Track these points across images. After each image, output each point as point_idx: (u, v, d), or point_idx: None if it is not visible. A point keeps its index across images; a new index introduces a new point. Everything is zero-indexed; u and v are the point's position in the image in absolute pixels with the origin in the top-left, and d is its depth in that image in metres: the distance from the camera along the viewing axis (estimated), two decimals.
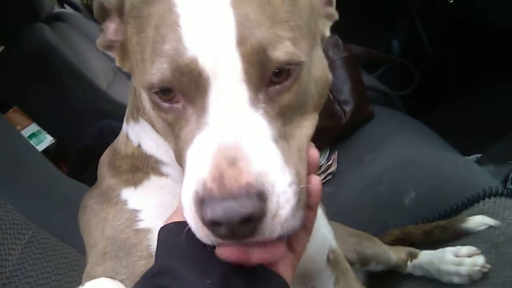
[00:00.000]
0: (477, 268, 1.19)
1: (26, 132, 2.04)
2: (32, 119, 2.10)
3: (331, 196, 1.77)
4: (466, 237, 1.29)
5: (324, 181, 1.90)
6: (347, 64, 2.00)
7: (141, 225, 0.77)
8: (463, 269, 1.20)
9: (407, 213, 1.46)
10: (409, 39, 2.56)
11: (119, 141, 0.89)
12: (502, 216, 1.26)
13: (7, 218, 1.12)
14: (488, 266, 1.18)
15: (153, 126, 0.77)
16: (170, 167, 0.81)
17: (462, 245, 1.27)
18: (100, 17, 0.76)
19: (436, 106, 2.42)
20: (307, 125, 0.66)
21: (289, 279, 0.64)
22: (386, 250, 1.35)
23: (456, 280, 1.22)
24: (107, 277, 0.73)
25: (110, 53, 0.77)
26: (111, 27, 0.75)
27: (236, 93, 0.58)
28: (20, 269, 1.06)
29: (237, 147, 0.55)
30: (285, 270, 0.64)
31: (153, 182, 0.82)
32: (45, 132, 2.08)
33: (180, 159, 0.64)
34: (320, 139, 1.93)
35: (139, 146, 0.84)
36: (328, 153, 1.99)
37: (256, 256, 0.57)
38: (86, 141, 1.96)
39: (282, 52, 0.57)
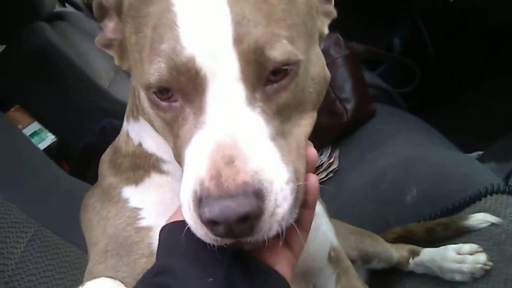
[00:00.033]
0: (479, 265, 1.18)
1: (27, 131, 2.04)
2: (33, 118, 2.10)
3: (332, 194, 1.77)
4: (468, 234, 1.29)
5: (325, 179, 1.90)
6: (348, 62, 2.00)
7: (142, 223, 0.77)
8: (465, 267, 1.20)
9: (409, 211, 1.46)
10: (410, 36, 2.56)
11: (120, 139, 0.89)
12: (504, 213, 1.26)
13: (9, 217, 1.12)
14: (490, 263, 1.18)
15: (152, 125, 0.77)
16: (171, 165, 0.81)
17: (464, 242, 1.26)
18: (99, 15, 0.76)
19: (437, 104, 2.42)
20: (305, 123, 0.67)
21: (289, 277, 0.64)
22: (388, 247, 1.35)
23: (458, 277, 1.22)
24: (108, 275, 0.73)
25: (109, 52, 0.77)
26: (110, 25, 0.75)
27: (233, 92, 0.58)
28: (22, 267, 1.06)
29: (234, 146, 0.55)
30: (284, 269, 0.64)
31: (154, 180, 0.82)
32: (46, 130, 2.08)
33: (179, 158, 0.65)
34: (322, 137, 1.96)
35: (140, 144, 0.84)
36: (329, 151, 1.99)
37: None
38: (88, 139, 1.96)
39: (279, 51, 0.58)
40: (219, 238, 0.56)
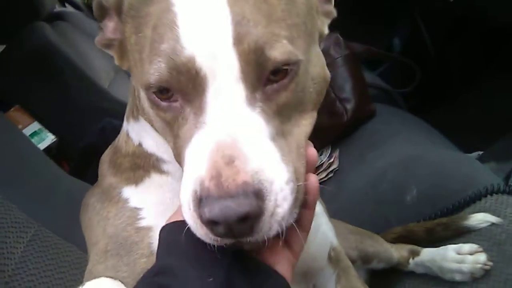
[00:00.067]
0: (479, 265, 1.18)
1: (27, 131, 2.04)
2: (33, 118, 2.10)
3: (332, 193, 1.77)
4: (468, 234, 1.29)
5: (325, 179, 1.90)
6: (348, 62, 2.00)
7: (142, 223, 0.77)
8: (465, 267, 1.20)
9: (409, 211, 1.46)
10: (410, 36, 2.56)
11: (120, 139, 0.89)
12: (504, 213, 1.26)
13: (9, 217, 1.12)
14: (490, 263, 1.18)
15: (152, 125, 0.77)
16: (171, 165, 0.81)
17: (464, 242, 1.26)
18: (99, 15, 0.76)
19: (437, 104, 2.42)
20: (305, 123, 0.67)
21: (289, 277, 0.64)
22: (388, 247, 1.35)
23: (458, 277, 1.22)
24: (108, 275, 0.73)
25: (109, 52, 0.77)
26: (110, 25, 0.75)
27: (234, 92, 0.58)
28: (22, 267, 1.06)
29: (234, 146, 0.56)
30: (284, 269, 0.64)
31: (154, 180, 0.82)
32: (46, 130, 2.08)
33: (179, 158, 0.65)
34: (322, 137, 1.96)
35: (140, 144, 0.84)
36: (329, 151, 1.99)
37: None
38: (88, 139, 1.96)
39: (279, 51, 0.58)
40: (219, 238, 0.56)
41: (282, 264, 0.64)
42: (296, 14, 0.63)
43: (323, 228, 0.94)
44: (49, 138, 2.06)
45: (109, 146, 0.94)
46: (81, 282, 0.76)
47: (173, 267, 0.60)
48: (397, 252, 1.36)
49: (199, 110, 0.59)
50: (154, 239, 0.71)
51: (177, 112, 0.62)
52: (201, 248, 0.59)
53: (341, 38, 2.03)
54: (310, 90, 0.67)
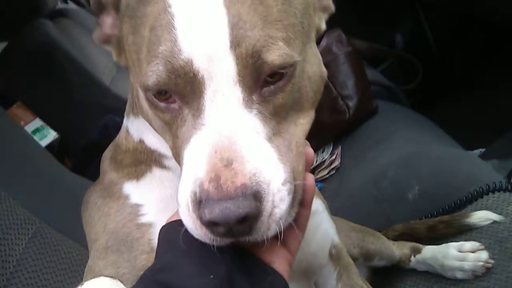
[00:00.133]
0: (481, 263, 1.18)
1: (30, 128, 2.05)
2: (36, 115, 2.11)
3: (334, 191, 1.77)
4: (470, 232, 1.29)
5: (327, 176, 1.90)
6: (350, 59, 2.00)
7: (143, 219, 0.77)
8: (467, 265, 1.19)
9: (411, 208, 1.45)
10: (413, 33, 2.55)
11: (120, 136, 0.89)
12: (506, 211, 1.26)
13: (11, 213, 1.12)
14: (492, 261, 1.18)
15: (150, 124, 0.77)
16: (172, 160, 0.81)
17: (465, 240, 1.26)
18: (97, 9, 0.76)
19: (440, 101, 2.41)
20: (303, 122, 0.67)
21: (286, 275, 0.65)
22: (390, 245, 1.35)
23: (459, 275, 1.21)
24: (109, 271, 0.73)
25: (107, 47, 0.77)
26: (108, 21, 0.76)
27: (231, 94, 0.59)
28: (24, 263, 1.06)
29: (232, 148, 0.56)
30: (281, 267, 0.64)
31: (155, 175, 0.82)
32: (48, 127, 2.09)
33: (177, 157, 0.65)
34: (324, 134, 1.96)
35: (141, 141, 0.84)
36: (331, 148, 1.99)
37: None
38: (90, 136, 1.96)
39: (276, 55, 0.58)
40: (218, 238, 0.57)
41: (279, 262, 0.64)
42: (293, 14, 0.63)
43: (324, 226, 0.94)
44: (51, 135, 2.07)
45: (111, 143, 0.94)
46: (82, 278, 0.77)
47: (173, 265, 0.60)
48: (398, 249, 1.35)
49: (197, 111, 0.60)
50: (155, 236, 0.71)
51: (175, 113, 0.63)
52: (200, 246, 0.59)
53: (343, 35, 2.03)
54: (307, 89, 0.67)
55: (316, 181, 1.89)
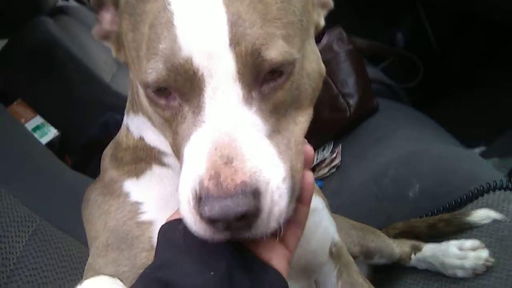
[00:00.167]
0: (481, 262, 1.18)
1: (30, 125, 2.05)
2: (36, 112, 2.11)
3: (335, 189, 1.76)
4: (470, 230, 1.29)
5: (327, 174, 1.90)
6: (351, 57, 2.00)
7: (143, 217, 0.77)
8: (467, 263, 1.19)
9: (411, 206, 1.45)
10: (413, 31, 2.55)
11: (121, 133, 0.90)
12: (507, 209, 1.26)
13: (12, 211, 1.12)
14: (492, 260, 1.18)
15: (150, 121, 0.77)
16: (172, 157, 0.81)
17: (466, 238, 1.26)
18: (96, 5, 0.76)
19: (440, 99, 2.41)
20: (302, 121, 0.68)
21: (285, 273, 0.65)
22: (390, 243, 1.35)
23: (460, 273, 1.21)
24: (109, 269, 0.73)
25: (106, 44, 0.77)
26: (107, 17, 0.76)
27: (230, 92, 0.59)
28: (24, 261, 1.06)
29: (232, 145, 0.57)
30: (279, 265, 0.64)
31: (155, 173, 0.82)
32: (49, 124, 2.09)
33: (177, 154, 0.66)
34: (324, 132, 1.96)
35: (141, 138, 0.84)
36: (332, 146, 1.99)
37: None
38: (90, 133, 1.96)
39: (275, 52, 0.58)
40: (217, 234, 0.57)
41: (277, 260, 0.65)
42: (292, 11, 0.63)
43: (325, 223, 0.95)
44: (51, 132, 2.07)
45: (112, 141, 0.94)
46: (82, 275, 0.77)
47: (173, 262, 0.60)
48: (399, 247, 1.36)
49: (197, 109, 0.60)
50: (155, 234, 0.71)
51: (175, 110, 0.63)
52: (200, 244, 0.60)
53: (344, 33, 2.02)
54: (306, 86, 0.67)
55: (317, 179, 1.89)
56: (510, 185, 1.31)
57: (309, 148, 0.68)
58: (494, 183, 1.31)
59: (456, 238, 1.28)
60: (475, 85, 2.34)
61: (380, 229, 1.40)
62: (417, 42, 2.52)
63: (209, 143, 0.57)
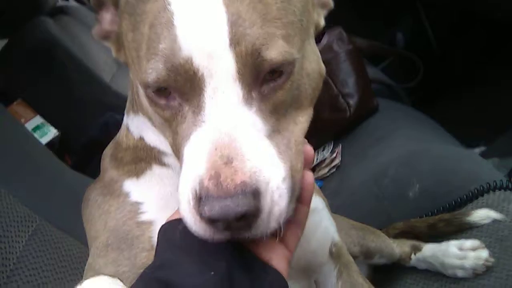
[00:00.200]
0: (481, 262, 1.18)
1: (30, 125, 2.05)
2: (36, 112, 2.11)
3: (335, 189, 1.76)
4: (470, 230, 1.29)
5: (327, 174, 1.90)
6: (351, 57, 1.99)
7: (143, 217, 0.77)
8: (467, 263, 1.19)
9: (411, 206, 1.45)
10: (413, 31, 2.55)
11: (121, 134, 0.90)
12: (507, 209, 1.26)
13: (11, 211, 1.12)
14: (492, 260, 1.18)
15: (150, 121, 0.77)
16: (172, 157, 0.81)
17: (466, 238, 1.26)
18: (96, 5, 0.76)
19: (441, 98, 2.41)
20: (302, 121, 0.68)
21: (285, 273, 0.65)
22: (390, 243, 1.35)
23: (460, 273, 1.21)
24: (109, 269, 0.73)
25: (106, 43, 0.77)
26: (107, 17, 0.76)
27: (230, 92, 0.59)
28: (24, 261, 1.06)
29: (232, 145, 0.57)
30: (279, 265, 0.64)
31: (155, 173, 0.82)
32: (49, 124, 2.09)
33: (177, 154, 0.66)
34: (324, 132, 1.96)
35: (141, 138, 0.84)
36: (332, 146, 1.99)
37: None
38: (90, 133, 1.96)
39: (275, 53, 0.58)
40: (217, 234, 0.58)
41: (277, 260, 0.65)
42: (292, 11, 0.63)
43: (325, 224, 0.95)
44: (51, 132, 2.07)
45: (112, 141, 0.94)
46: (82, 275, 0.77)
47: (174, 262, 0.60)
48: (399, 247, 1.36)
49: (197, 108, 0.60)
50: (155, 233, 0.71)
51: (175, 110, 0.63)
52: (200, 244, 0.60)
53: (344, 33, 2.02)
54: (306, 86, 0.67)
55: (317, 179, 1.89)
56: (510, 185, 1.31)
57: (309, 148, 0.68)
58: (494, 183, 1.31)
59: (456, 238, 1.28)
60: (475, 85, 2.33)
61: (380, 229, 1.40)
62: (417, 41, 2.52)
63: (209, 143, 0.58)
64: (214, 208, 0.54)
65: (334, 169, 1.91)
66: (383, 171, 1.62)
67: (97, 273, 0.70)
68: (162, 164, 0.83)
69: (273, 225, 0.58)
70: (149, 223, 0.77)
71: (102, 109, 2.02)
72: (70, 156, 2.09)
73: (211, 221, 0.56)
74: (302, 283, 0.93)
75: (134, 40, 0.64)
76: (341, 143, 1.97)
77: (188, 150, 0.61)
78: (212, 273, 0.58)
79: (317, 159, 1.95)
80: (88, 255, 0.81)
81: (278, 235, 0.60)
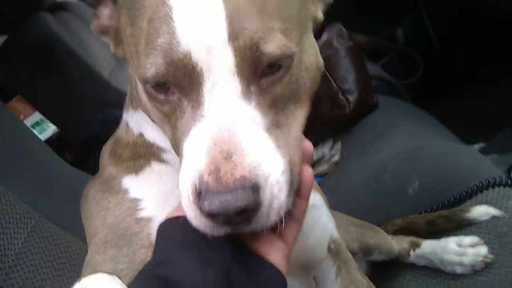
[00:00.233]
0: (480, 258, 1.18)
1: (29, 121, 2.05)
2: (35, 108, 2.10)
3: (334, 185, 1.76)
4: (470, 227, 1.29)
5: (327, 171, 1.90)
6: (351, 54, 1.99)
7: (142, 214, 0.77)
8: (466, 260, 1.19)
9: (411, 203, 1.45)
10: (413, 27, 2.54)
11: (120, 130, 0.90)
12: (506, 206, 1.26)
13: (10, 207, 1.12)
14: (491, 256, 1.18)
15: (149, 116, 0.77)
16: (171, 154, 0.81)
17: (465, 235, 1.26)
18: (95, 1, 0.77)
19: (441, 95, 2.41)
20: (300, 114, 0.68)
21: (283, 268, 0.65)
22: (389, 240, 1.35)
23: (459, 270, 1.22)
24: (107, 266, 0.73)
25: (105, 39, 0.77)
26: (105, 12, 0.76)
27: (229, 86, 0.59)
28: (23, 258, 1.06)
29: (231, 140, 0.57)
30: (278, 260, 0.65)
31: (154, 169, 0.83)
32: (48, 121, 2.08)
33: (177, 149, 0.66)
34: (324, 128, 1.96)
35: (141, 134, 0.85)
36: (331, 142, 1.99)
37: None
38: (89, 130, 1.96)
39: (274, 46, 0.58)
40: (218, 228, 0.58)
41: (275, 255, 0.65)
42: (290, 5, 0.63)
43: (323, 220, 0.95)
44: (50, 129, 2.06)
45: (111, 137, 0.94)
46: (81, 272, 0.77)
47: (172, 259, 0.61)
48: (398, 244, 1.36)
49: (196, 103, 0.60)
50: (154, 230, 0.72)
51: (174, 105, 0.63)
52: (198, 240, 0.60)
53: (344, 30, 2.02)
54: (304, 80, 0.67)
55: (316, 175, 1.89)
56: (509, 181, 1.31)
57: (308, 144, 0.68)
58: (493, 180, 1.31)
59: (455, 235, 1.28)
60: (475, 82, 2.33)
61: (379, 226, 1.40)
62: (417, 38, 2.51)
63: (209, 138, 0.58)
64: (214, 203, 0.54)
65: (334, 166, 1.90)
66: (382, 168, 1.62)
67: (96, 270, 0.71)
68: (161, 160, 0.83)
69: (273, 218, 0.59)
70: (148, 220, 0.77)
71: (102, 106, 2.01)
72: (69, 152, 2.09)
73: (211, 215, 0.56)
74: (301, 279, 0.93)
75: (133, 35, 0.64)
76: (340, 139, 1.97)
77: (187, 145, 0.61)
78: (211, 269, 0.58)
79: (316, 156, 1.95)
80: (87, 251, 0.81)
81: (278, 229, 0.61)
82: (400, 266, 1.38)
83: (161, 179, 0.82)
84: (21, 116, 2.05)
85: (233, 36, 0.57)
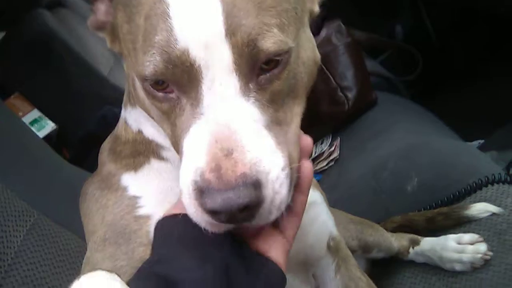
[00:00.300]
0: (479, 255, 1.18)
1: (27, 119, 2.05)
2: (33, 105, 2.10)
3: (333, 183, 1.76)
4: (469, 224, 1.29)
5: (326, 168, 1.90)
6: (350, 50, 1.99)
7: (141, 211, 0.77)
8: (465, 257, 1.19)
9: (410, 200, 1.45)
10: (412, 24, 2.54)
11: (119, 127, 0.89)
12: (505, 203, 1.26)
13: (9, 205, 1.12)
14: (490, 253, 1.18)
15: (148, 114, 0.77)
16: (170, 152, 0.81)
17: (464, 232, 1.26)
18: None
19: (440, 92, 2.41)
20: (298, 109, 0.68)
21: (283, 264, 0.65)
22: (388, 237, 1.35)
23: (458, 267, 1.22)
24: (106, 264, 0.73)
25: (101, 34, 0.77)
26: (102, 8, 0.76)
27: (228, 83, 0.59)
28: (22, 255, 1.06)
29: (231, 137, 0.57)
30: (277, 256, 0.65)
31: (153, 167, 0.82)
32: (46, 118, 2.08)
33: (176, 146, 0.66)
34: (323, 125, 1.96)
35: (140, 131, 0.84)
36: (330, 139, 1.99)
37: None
38: (88, 127, 1.96)
39: (271, 42, 0.58)
40: (220, 224, 0.58)
41: (275, 250, 0.65)
42: (286, 0, 0.63)
43: (323, 217, 0.95)
44: (49, 126, 2.06)
45: (110, 135, 0.94)
46: (80, 270, 0.76)
47: (171, 257, 0.61)
48: (397, 241, 1.36)
49: (195, 101, 0.60)
50: (153, 228, 0.72)
51: (173, 102, 0.63)
52: (197, 237, 0.60)
53: (343, 26, 2.02)
54: (302, 75, 0.67)
55: (315, 172, 1.89)
56: (508, 178, 1.31)
57: (308, 139, 0.68)
58: (493, 177, 1.31)
59: (454, 232, 1.28)
60: (475, 79, 2.33)
61: (378, 223, 1.40)
62: (416, 34, 2.51)
63: (209, 135, 0.58)
64: (216, 201, 0.55)
65: (333, 163, 1.90)
66: (381, 165, 1.62)
67: (95, 267, 0.70)
68: (160, 158, 0.83)
69: (274, 214, 0.59)
70: (147, 218, 0.76)
71: (100, 103, 2.01)
72: (68, 149, 2.09)
73: (213, 212, 0.56)
74: (300, 276, 0.93)
75: (130, 32, 0.64)
76: (339, 136, 1.97)
77: (187, 143, 0.61)
78: (210, 267, 0.58)
79: (315, 153, 1.95)
80: (86, 249, 0.81)
81: (279, 225, 0.61)
82: (399, 263, 1.38)
83: (160, 176, 0.82)
84: (20, 114, 2.05)
85: (230, 32, 0.57)
